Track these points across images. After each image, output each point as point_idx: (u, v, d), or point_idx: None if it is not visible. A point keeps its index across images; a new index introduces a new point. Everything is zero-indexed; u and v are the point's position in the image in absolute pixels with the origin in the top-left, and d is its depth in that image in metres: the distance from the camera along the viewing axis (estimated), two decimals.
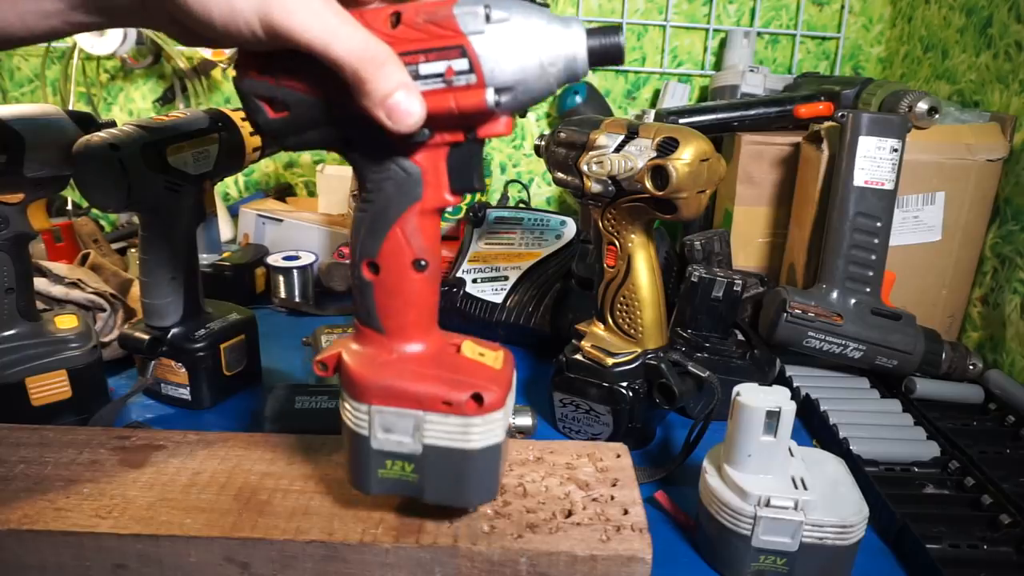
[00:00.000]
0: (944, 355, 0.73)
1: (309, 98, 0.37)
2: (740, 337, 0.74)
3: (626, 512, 0.47)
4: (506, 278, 0.87)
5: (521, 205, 1.22)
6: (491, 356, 0.44)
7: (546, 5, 1.18)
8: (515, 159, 1.28)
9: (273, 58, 0.36)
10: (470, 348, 0.44)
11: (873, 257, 0.73)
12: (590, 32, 0.37)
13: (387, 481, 0.44)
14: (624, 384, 0.61)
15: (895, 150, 0.73)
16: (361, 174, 0.40)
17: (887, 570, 0.52)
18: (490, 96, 0.35)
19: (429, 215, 0.40)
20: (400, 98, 0.35)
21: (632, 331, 0.62)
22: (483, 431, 0.41)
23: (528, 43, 0.35)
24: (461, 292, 0.87)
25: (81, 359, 0.64)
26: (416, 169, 0.39)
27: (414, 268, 0.41)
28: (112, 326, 0.77)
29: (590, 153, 0.59)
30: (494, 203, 1.13)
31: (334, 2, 0.35)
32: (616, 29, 0.37)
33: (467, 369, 0.42)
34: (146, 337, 0.67)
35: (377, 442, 0.42)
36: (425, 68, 0.35)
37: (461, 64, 0.35)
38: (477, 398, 0.41)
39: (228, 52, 1.09)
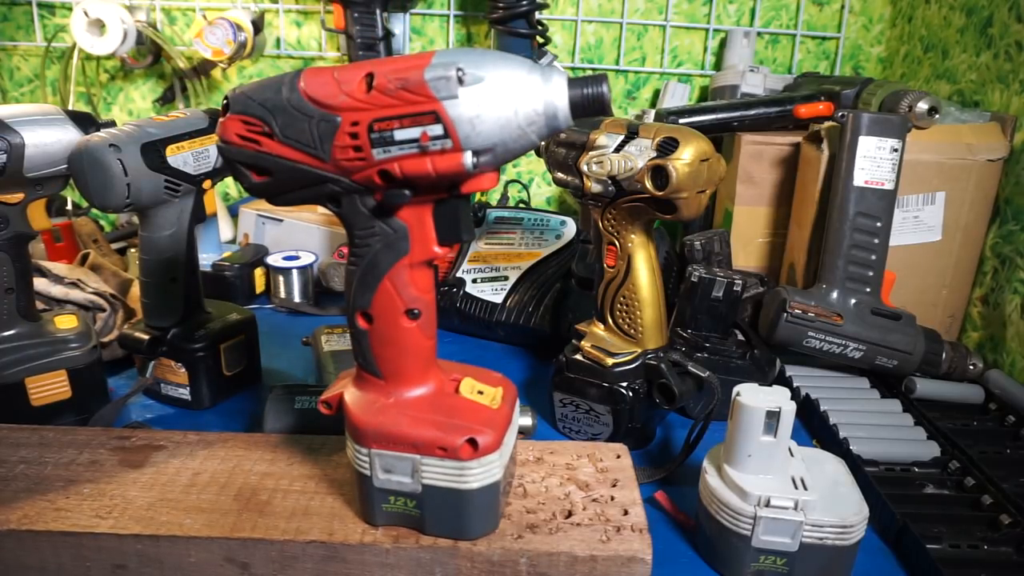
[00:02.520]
0: (944, 355, 0.72)
1: (291, 163, 0.37)
2: (740, 337, 0.74)
3: (626, 512, 0.47)
4: (506, 278, 0.87)
5: (521, 205, 1.22)
6: (489, 394, 0.45)
7: (545, 5, 1.17)
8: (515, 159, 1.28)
9: (254, 126, 0.37)
10: (468, 387, 0.44)
11: (873, 257, 0.73)
12: (572, 82, 0.35)
13: (391, 514, 0.45)
14: (624, 384, 0.61)
15: (895, 150, 0.72)
16: (349, 230, 0.40)
17: (887, 570, 0.52)
18: (468, 159, 0.35)
19: (419, 267, 0.41)
20: None
21: (632, 331, 0.62)
22: (479, 472, 0.42)
23: (505, 103, 0.34)
24: (461, 292, 0.87)
25: (81, 359, 0.64)
26: (402, 226, 0.39)
27: (407, 317, 0.41)
28: (112, 326, 0.77)
29: (590, 153, 0.59)
30: (494, 203, 1.13)
31: None
32: (600, 78, 0.35)
33: (463, 412, 0.43)
34: (146, 337, 0.67)
35: (379, 481, 0.43)
36: (400, 134, 0.35)
37: (435, 130, 0.35)
38: (472, 443, 0.41)
39: (228, 51, 1.09)
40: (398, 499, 0.44)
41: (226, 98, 0.39)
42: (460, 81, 0.34)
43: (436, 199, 0.38)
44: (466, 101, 0.34)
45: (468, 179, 0.37)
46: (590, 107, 0.35)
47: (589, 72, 1.21)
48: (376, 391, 0.43)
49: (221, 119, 0.39)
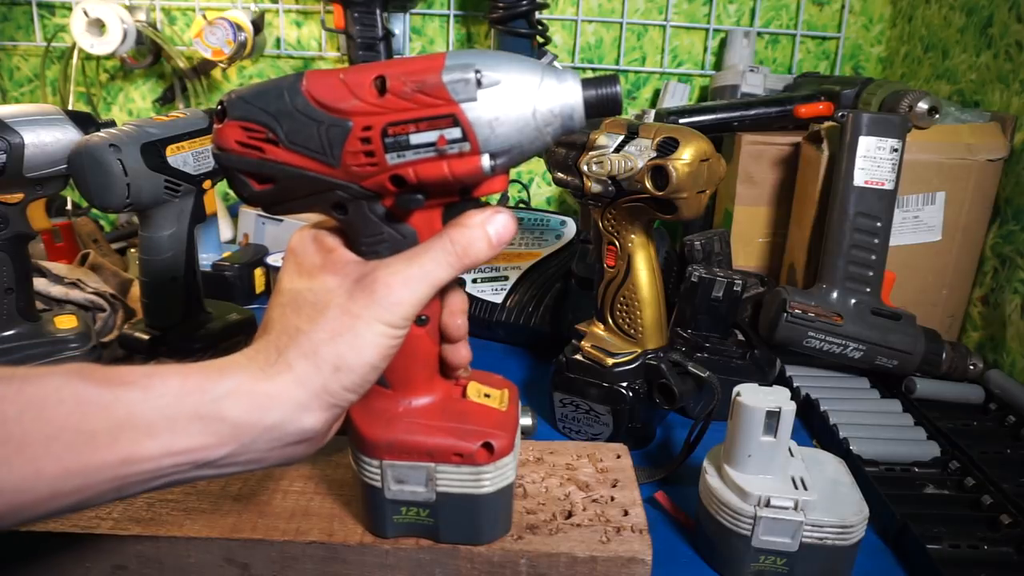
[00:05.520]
0: (944, 355, 0.72)
1: (298, 170, 0.36)
2: (740, 337, 0.74)
3: (626, 513, 0.47)
4: (506, 278, 0.87)
5: (521, 205, 1.22)
6: (496, 396, 0.44)
7: (545, 5, 1.17)
8: None
9: (256, 132, 0.36)
10: (475, 390, 0.44)
11: (873, 257, 0.73)
12: (586, 83, 0.35)
13: (403, 526, 0.44)
14: (624, 384, 0.61)
15: (895, 150, 0.72)
16: (355, 238, 0.39)
17: (887, 570, 0.52)
18: (486, 162, 0.35)
19: None
20: (497, 231, 0.37)
21: (632, 331, 0.62)
22: (495, 476, 0.42)
23: (522, 105, 0.34)
24: None
25: (81, 359, 0.64)
26: (412, 231, 0.38)
27: (416, 324, 0.40)
28: (112, 326, 0.77)
29: (590, 153, 0.59)
30: (494, 203, 1.13)
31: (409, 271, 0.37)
32: (613, 79, 0.35)
33: (474, 417, 0.43)
34: (146, 337, 0.67)
35: (391, 493, 0.43)
36: (416, 138, 0.34)
37: (454, 133, 0.34)
38: (488, 447, 0.41)
39: (228, 51, 1.09)
40: (410, 509, 0.43)
41: (221, 103, 0.37)
42: (479, 83, 0.34)
43: (446, 203, 0.38)
44: (485, 103, 0.34)
45: (483, 182, 0.37)
46: (604, 107, 0.36)
47: (590, 72, 1.21)
48: (384, 401, 0.42)
49: (217, 125, 0.37)
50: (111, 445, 0.32)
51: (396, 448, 0.41)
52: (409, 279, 0.36)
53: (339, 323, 0.36)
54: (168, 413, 0.33)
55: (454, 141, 0.34)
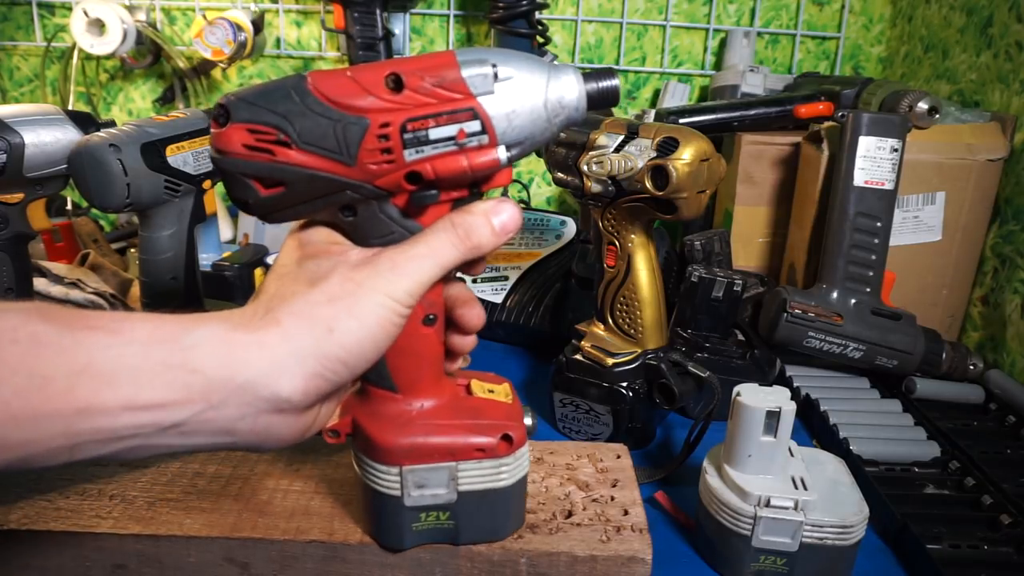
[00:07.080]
0: (944, 355, 0.72)
1: (310, 171, 0.35)
2: (740, 337, 0.74)
3: (626, 512, 0.47)
4: (506, 278, 0.87)
5: (521, 205, 1.22)
6: (500, 391, 0.45)
7: (545, 5, 1.17)
8: None
9: (265, 134, 0.35)
10: (479, 387, 0.45)
11: (873, 257, 0.73)
12: (586, 77, 0.37)
13: (422, 533, 0.44)
14: (624, 384, 0.61)
15: (895, 150, 0.72)
16: (361, 238, 0.38)
17: (887, 570, 0.52)
18: (502, 153, 0.36)
19: None
20: (502, 221, 0.38)
21: (632, 331, 0.62)
22: (513, 467, 0.43)
23: (535, 97, 0.36)
24: None
25: None
26: (420, 228, 0.38)
27: (423, 324, 0.40)
28: None
29: (590, 153, 0.59)
30: None
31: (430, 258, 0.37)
32: (611, 72, 0.37)
33: (487, 411, 0.43)
34: None
35: (411, 499, 0.42)
36: (436, 132, 0.35)
37: (473, 126, 0.35)
38: (507, 438, 0.42)
39: (228, 51, 1.09)
40: (430, 514, 0.43)
41: (221, 106, 0.35)
42: (495, 77, 0.35)
43: (455, 199, 0.38)
44: (501, 96, 0.35)
45: (495, 175, 0.37)
46: (604, 99, 0.37)
47: None
48: (395, 406, 0.42)
49: (217, 129, 0.35)
50: (66, 393, 0.29)
51: (416, 452, 0.41)
52: (414, 256, 0.37)
53: (340, 288, 0.35)
54: (133, 362, 0.30)
55: (473, 134, 0.35)
